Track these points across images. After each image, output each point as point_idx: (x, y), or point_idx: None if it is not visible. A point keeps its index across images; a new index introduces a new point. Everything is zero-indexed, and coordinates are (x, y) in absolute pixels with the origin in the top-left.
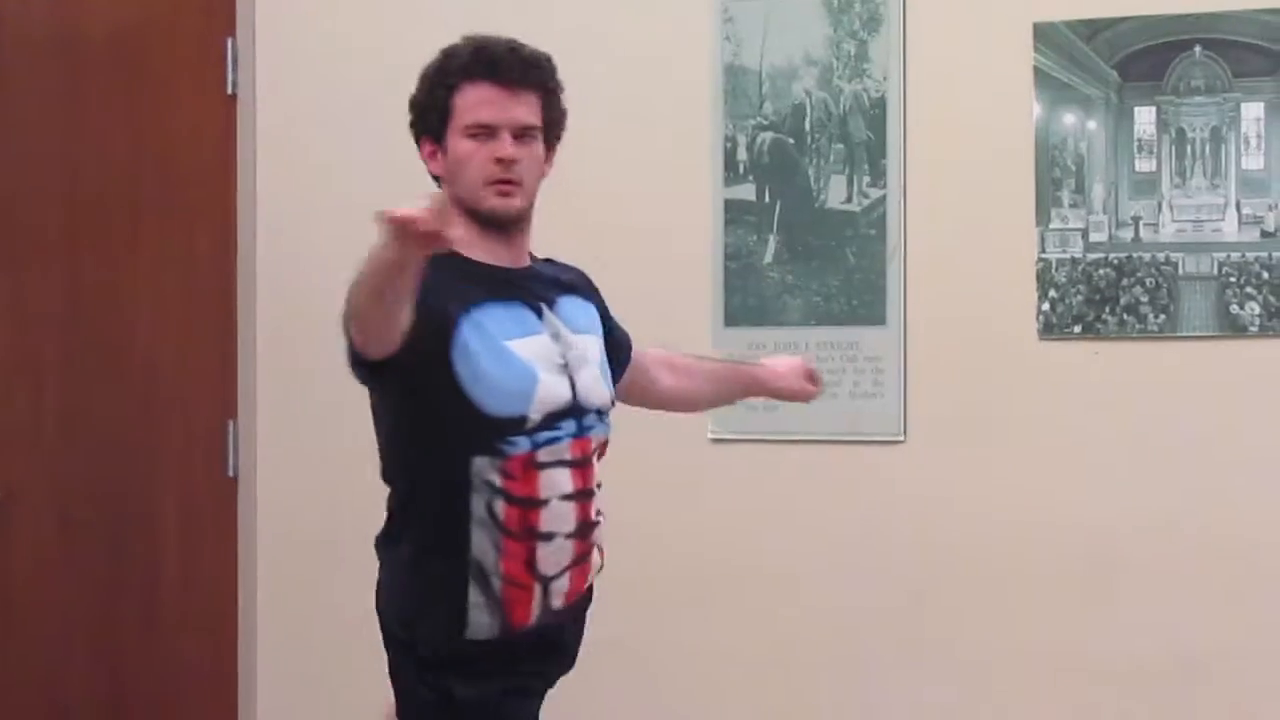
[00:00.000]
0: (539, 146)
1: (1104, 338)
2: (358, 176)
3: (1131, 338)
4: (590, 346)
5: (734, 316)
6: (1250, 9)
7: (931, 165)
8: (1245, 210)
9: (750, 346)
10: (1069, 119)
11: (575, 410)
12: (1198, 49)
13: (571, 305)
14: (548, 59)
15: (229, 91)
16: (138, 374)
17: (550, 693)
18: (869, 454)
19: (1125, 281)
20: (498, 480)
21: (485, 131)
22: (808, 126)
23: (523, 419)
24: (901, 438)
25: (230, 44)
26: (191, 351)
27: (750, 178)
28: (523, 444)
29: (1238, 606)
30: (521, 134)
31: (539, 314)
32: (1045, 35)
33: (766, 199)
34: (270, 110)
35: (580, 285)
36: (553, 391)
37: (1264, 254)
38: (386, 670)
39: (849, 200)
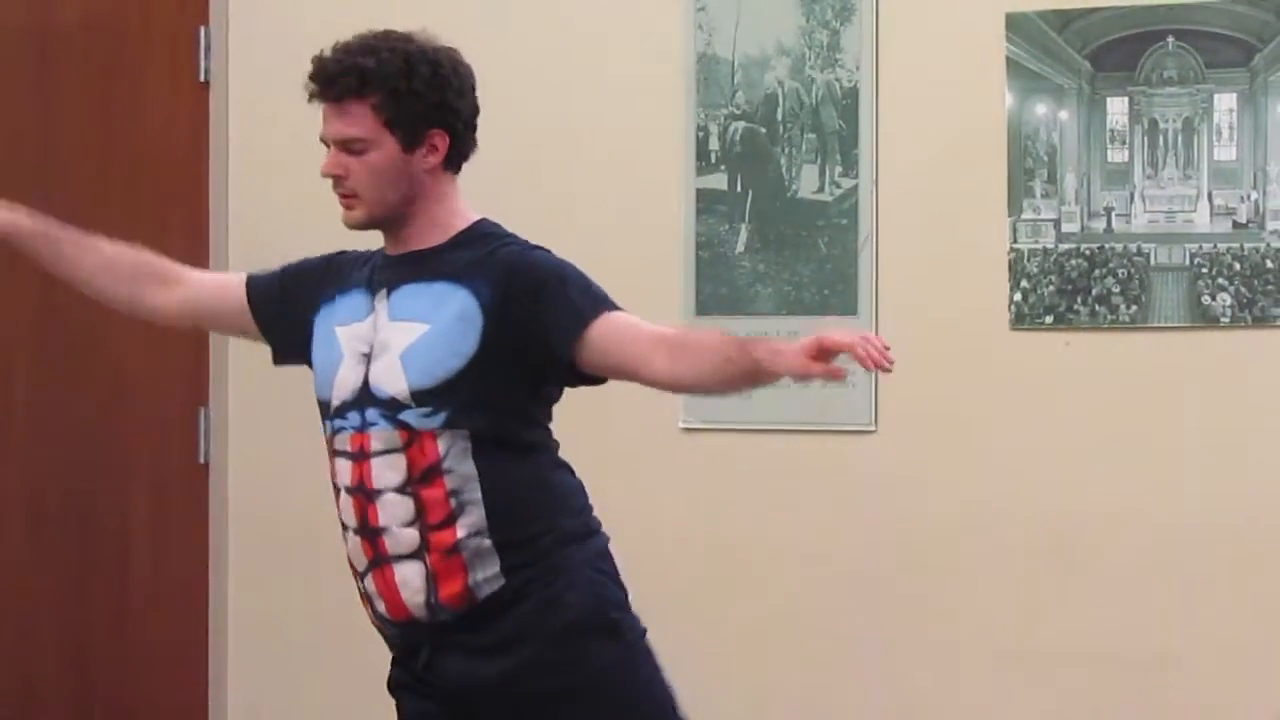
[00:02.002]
0: (379, 153)
1: (1076, 328)
2: None
3: (1103, 328)
4: (400, 334)
5: (705, 306)
6: (1223, 0)
7: (903, 155)
8: (1217, 201)
9: None
10: (1041, 109)
11: (363, 400)
12: (1170, 40)
13: (413, 292)
14: (376, 63)
15: (201, 79)
16: (109, 361)
17: None
18: (840, 444)
19: (1097, 272)
20: (329, 458)
21: (325, 144)
22: (780, 116)
23: (328, 403)
24: (873, 427)
25: (203, 32)
26: (163, 338)
27: (722, 167)
28: (327, 428)
29: (1208, 595)
30: (347, 146)
31: (373, 300)
32: (1018, 25)
33: (738, 188)
34: (243, 98)
35: (470, 268)
36: (347, 378)
37: (1236, 245)
38: (355, 657)
39: (821, 190)
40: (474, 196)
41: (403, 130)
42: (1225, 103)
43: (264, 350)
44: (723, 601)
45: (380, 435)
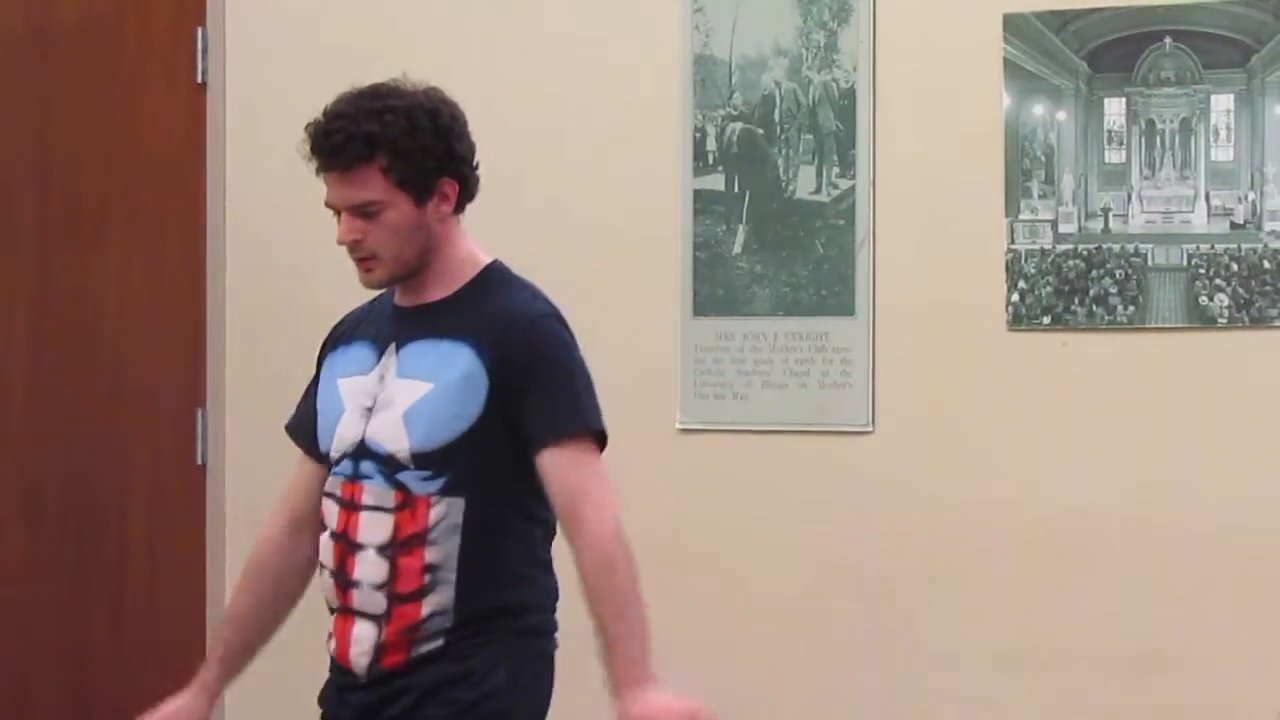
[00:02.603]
0: (394, 213)
1: (1073, 329)
2: None
3: (1100, 329)
4: (404, 392)
5: (703, 306)
6: (1220, 1)
7: (901, 156)
8: (1215, 202)
9: (719, 336)
10: (1039, 110)
11: (359, 451)
12: (1168, 40)
13: (421, 350)
14: (380, 122)
15: (198, 80)
16: (107, 362)
17: None
18: (838, 444)
19: (1094, 273)
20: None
21: (335, 212)
22: (777, 117)
23: (328, 453)
24: (870, 428)
25: (200, 33)
26: (160, 339)
27: (719, 168)
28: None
29: (1205, 596)
30: (360, 211)
31: (380, 354)
32: (1015, 26)
33: (736, 189)
34: (240, 100)
35: (477, 324)
36: (348, 431)
37: (1233, 245)
38: None
39: (818, 191)
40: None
41: (415, 187)
42: (1222, 103)
43: (261, 351)
44: (720, 602)
45: (374, 491)
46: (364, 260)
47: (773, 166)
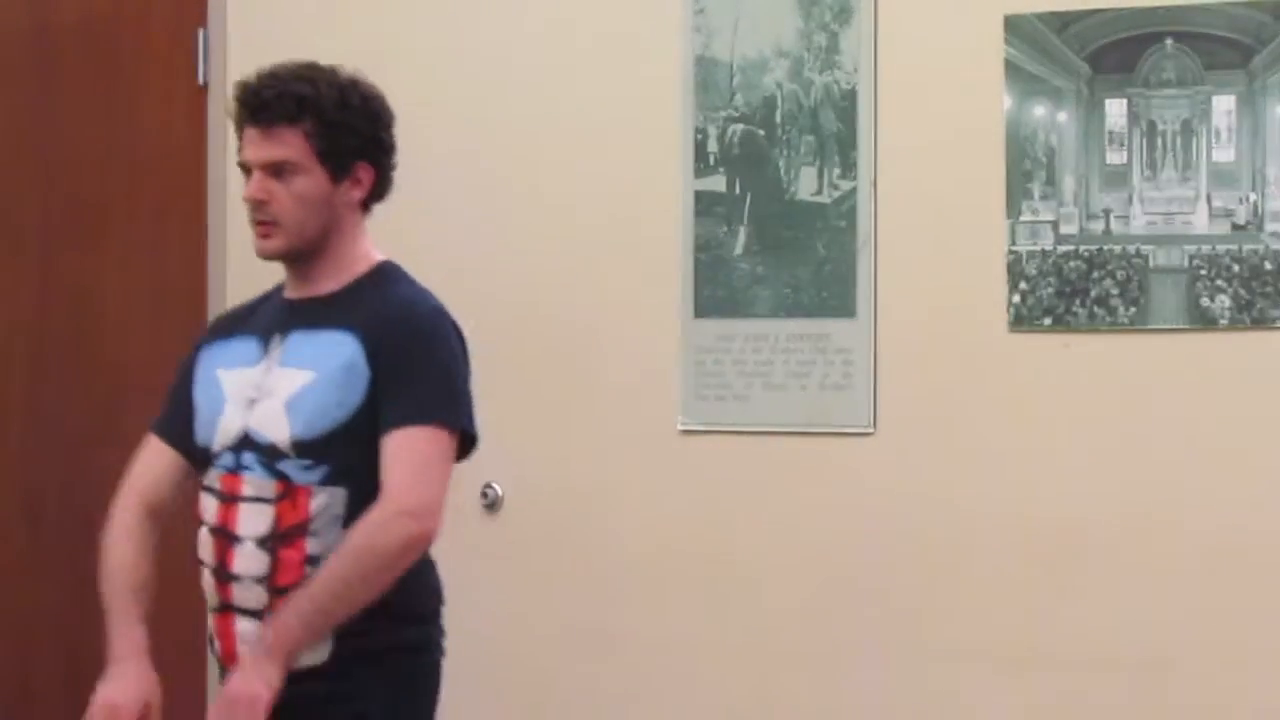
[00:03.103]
0: (307, 180)
1: (1074, 330)
2: None
3: (1102, 330)
4: (286, 381)
5: (704, 308)
6: (1221, 2)
7: (902, 157)
8: (1216, 203)
9: (720, 338)
10: (1040, 111)
11: (242, 444)
12: (1169, 41)
13: (305, 339)
14: (314, 88)
15: (200, 82)
16: (108, 362)
17: (518, 681)
18: (839, 446)
19: (1096, 274)
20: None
21: (246, 171)
22: (778, 118)
23: (208, 448)
24: (871, 429)
25: (201, 35)
26: (161, 343)
27: (721, 169)
28: (205, 470)
29: (1206, 599)
30: (275, 170)
31: (266, 345)
32: (1016, 27)
33: (737, 190)
34: None
35: (360, 314)
36: (231, 423)
37: (1234, 247)
38: None
39: (819, 192)
40: (472, 199)
41: (333, 160)
42: (1224, 104)
43: None
44: (720, 604)
45: (254, 482)
46: (264, 225)
47: (774, 168)
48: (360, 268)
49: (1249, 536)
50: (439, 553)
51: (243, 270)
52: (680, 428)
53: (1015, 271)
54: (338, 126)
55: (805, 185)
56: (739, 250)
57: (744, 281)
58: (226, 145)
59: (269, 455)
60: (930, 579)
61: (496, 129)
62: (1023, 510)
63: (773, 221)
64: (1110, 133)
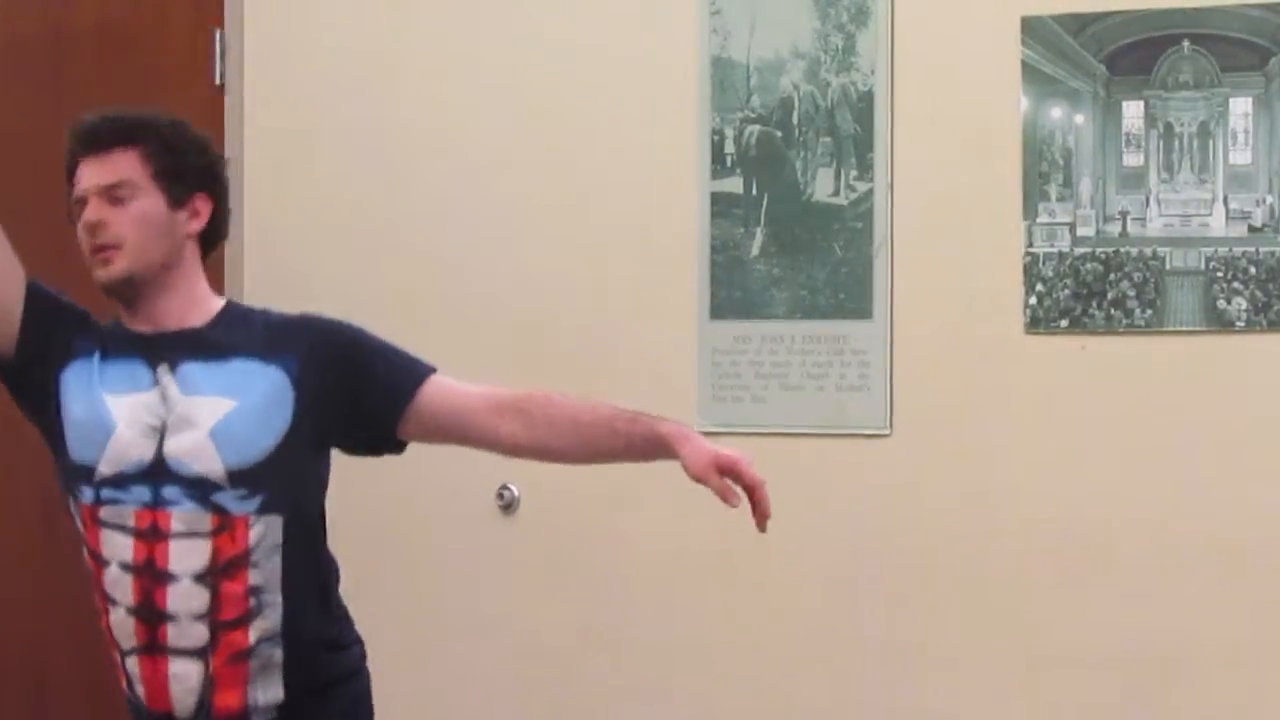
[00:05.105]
0: (145, 201)
1: (1091, 332)
2: (345, 169)
3: (1118, 332)
4: (205, 410)
5: (720, 309)
6: (1238, 4)
7: (919, 159)
8: (1233, 205)
9: (736, 340)
10: (1056, 113)
11: (156, 475)
12: (1186, 43)
13: (205, 369)
14: (144, 117)
15: (217, 83)
16: None
17: (531, 682)
18: (855, 447)
19: (1112, 276)
20: (78, 523)
21: (81, 204)
22: (795, 120)
23: (92, 469)
24: (887, 431)
25: (218, 36)
26: None
27: (737, 171)
28: (88, 494)
29: (1222, 600)
30: (110, 194)
31: (155, 373)
32: (1033, 29)
33: (753, 192)
34: (258, 103)
35: (269, 343)
36: (127, 449)
37: (1251, 249)
38: None
39: (836, 193)
40: (488, 200)
41: (170, 183)
42: (1240, 106)
43: None
44: (735, 605)
45: (185, 517)
46: (105, 250)
47: (790, 169)
48: (214, 304)
49: (1267, 538)
50: (455, 551)
51: (259, 272)
52: (697, 429)
53: (1032, 273)
54: (173, 149)
55: (822, 187)
56: (755, 252)
57: (760, 283)
58: (243, 146)
59: (199, 488)
60: (946, 580)
61: (512, 130)
62: (1039, 512)
63: (789, 223)
64: (1127, 135)
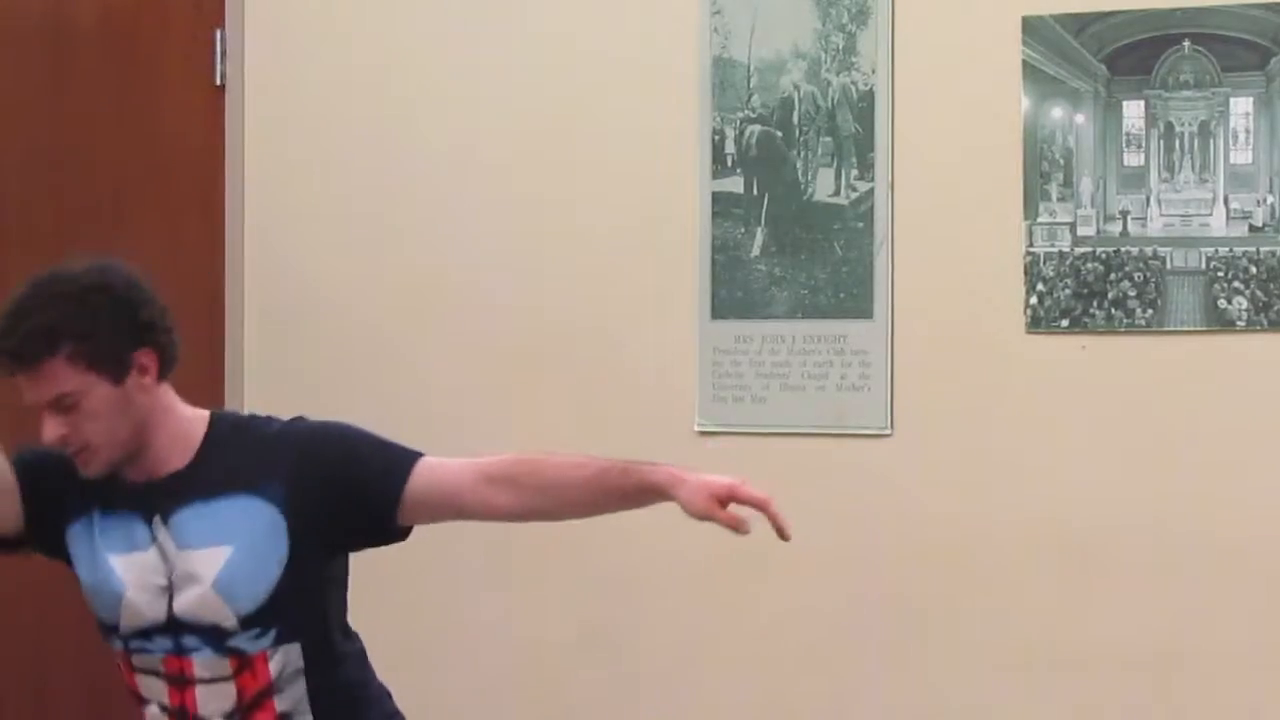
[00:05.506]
0: (93, 397)
1: (1091, 332)
2: (346, 168)
3: (1119, 332)
4: (203, 563)
5: (721, 309)
6: (1239, 4)
7: (919, 158)
8: (1233, 205)
9: (737, 339)
10: (1057, 113)
11: (173, 628)
12: (1186, 43)
13: (196, 515)
14: (55, 312)
15: (217, 82)
16: None
17: (534, 682)
18: (856, 447)
19: (1113, 276)
20: (120, 664)
21: (34, 409)
22: (796, 119)
23: (115, 626)
24: (888, 431)
25: (219, 35)
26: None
27: (738, 170)
28: (118, 644)
29: (1222, 601)
30: (57, 405)
31: (150, 528)
32: (1034, 29)
33: (754, 192)
34: (258, 102)
35: (252, 471)
36: (139, 611)
37: (1252, 248)
38: None
39: (837, 193)
40: (491, 200)
41: (106, 367)
42: (1241, 106)
43: (280, 358)
44: (737, 605)
45: (206, 663)
46: (78, 454)
47: (791, 169)
48: (197, 430)
49: (1268, 537)
50: (455, 551)
51: (260, 272)
52: (697, 429)
53: (1032, 273)
54: (94, 334)
55: (823, 186)
56: (756, 251)
57: (761, 283)
58: (244, 145)
59: (215, 635)
60: (947, 580)
61: (513, 130)
62: (1040, 511)
63: (790, 223)
64: (1128, 134)
